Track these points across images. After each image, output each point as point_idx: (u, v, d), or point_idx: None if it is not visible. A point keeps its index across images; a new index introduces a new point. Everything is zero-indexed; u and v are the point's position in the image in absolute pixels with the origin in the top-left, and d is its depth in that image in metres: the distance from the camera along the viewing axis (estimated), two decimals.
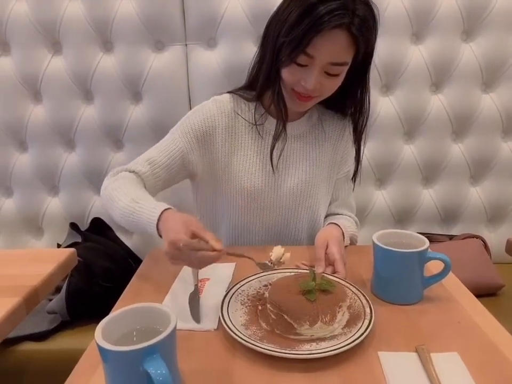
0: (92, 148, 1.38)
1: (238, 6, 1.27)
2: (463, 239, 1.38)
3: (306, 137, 0.97)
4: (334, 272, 0.78)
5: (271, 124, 0.94)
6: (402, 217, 1.45)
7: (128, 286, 0.81)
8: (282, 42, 0.80)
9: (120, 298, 0.76)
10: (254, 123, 0.93)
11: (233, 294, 0.70)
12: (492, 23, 1.30)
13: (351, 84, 0.88)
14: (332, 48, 0.78)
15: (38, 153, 1.39)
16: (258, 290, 0.72)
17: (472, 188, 1.44)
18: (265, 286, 0.74)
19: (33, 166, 1.40)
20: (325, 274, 0.73)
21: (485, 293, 1.23)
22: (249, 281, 0.74)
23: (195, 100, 1.34)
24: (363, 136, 0.97)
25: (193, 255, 0.64)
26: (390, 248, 0.68)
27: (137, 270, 0.87)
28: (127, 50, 1.31)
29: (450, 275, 0.71)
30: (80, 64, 1.32)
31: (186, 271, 0.82)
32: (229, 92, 0.97)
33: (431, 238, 1.38)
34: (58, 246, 1.33)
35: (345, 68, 0.82)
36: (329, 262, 0.80)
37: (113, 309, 0.70)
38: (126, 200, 0.79)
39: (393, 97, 1.37)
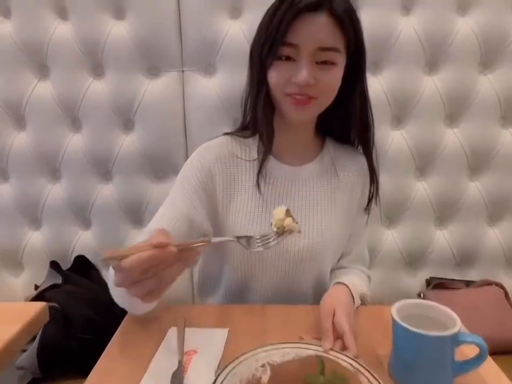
0: (78, 179, 1.27)
1: (239, 31, 1.18)
2: (481, 286, 1.27)
3: (317, 183, 0.85)
4: (344, 348, 0.66)
5: (276, 166, 0.83)
6: (413, 259, 1.33)
7: (104, 353, 0.69)
8: (262, 45, 0.74)
9: (98, 362, 0.66)
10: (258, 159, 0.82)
11: (224, 379, 0.58)
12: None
13: (349, 96, 0.79)
14: (316, 31, 0.70)
15: (20, 183, 1.28)
16: (254, 372, 0.60)
17: (490, 229, 1.32)
18: (263, 366, 0.61)
19: (14, 197, 1.29)
20: (335, 358, 0.61)
21: (509, 349, 1.11)
22: (243, 360, 0.62)
23: (191, 130, 1.24)
24: (374, 157, 0.87)
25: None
26: (415, 330, 0.56)
27: (117, 333, 0.75)
28: (119, 75, 1.21)
29: (488, 360, 0.59)
30: (68, 90, 1.22)
31: (170, 338, 0.71)
32: (225, 134, 0.87)
33: (446, 284, 1.27)
34: (36, 287, 1.21)
35: (339, 57, 0.73)
36: (338, 335, 0.68)
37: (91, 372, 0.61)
38: None
39: (404, 131, 1.26)
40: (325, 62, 0.72)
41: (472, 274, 1.34)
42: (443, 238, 1.32)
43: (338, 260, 0.92)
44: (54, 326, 1.02)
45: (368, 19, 1.14)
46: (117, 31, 1.19)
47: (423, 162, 1.28)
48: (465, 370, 0.59)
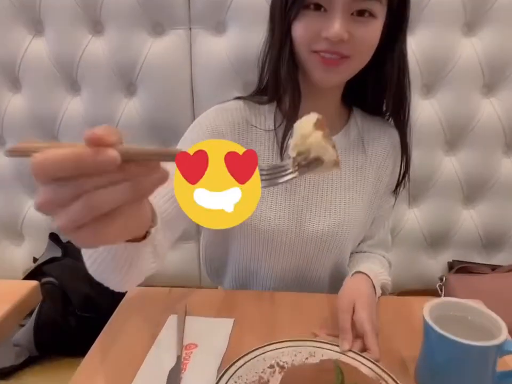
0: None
1: None
2: (508, 271, 1.17)
3: (342, 160, 0.74)
4: (364, 349, 0.58)
5: None
6: (436, 240, 1.23)
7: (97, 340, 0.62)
8: None
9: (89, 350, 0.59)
10: (274, 128, 0.70)
11: (228, 381, 0.51)
12: None
13: (385, 58, 0.68)
14: None
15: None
16: (261, 374, 0.53)
17: None
18: (271, 367, 0.54)
19: (11, 164, 1.22)
20: (353, 360, 0.53)
21: None
22: (249, 360, 0.55)
23: (199, 95, 1.13)
24: (408, 132, 0.76)
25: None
26: (455, 338, 0.47)
27: (111, 320, 0.68)
28: (120, 33, 1.10)
29: None
30: (64, 48, 1.12)
31: (169, 328, 0.64)
32: (236, 98, 0.75)
33: (470, 268, 1.18)
34: (35, 260, 1.16)
35: (380, 9, 0.61)
36: (357, 333, 0.60)
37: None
38: None
39: (435, 100, 1.14)
40: (362, 13, 0.60)
41: (498, 258, 1.24)
42: (470, 218, 1.22)
43: (359, 244, 0.83)
44: (50, 302, 0.97)
45: None
46: None
47: (454, 135, 1.16)
48: (508, 382, 0.51)
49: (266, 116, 0.73)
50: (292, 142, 0.37)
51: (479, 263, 1.21)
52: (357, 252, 0.83)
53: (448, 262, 1.23)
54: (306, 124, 0.37)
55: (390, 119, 0.77)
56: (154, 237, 0.44)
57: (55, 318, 0.96)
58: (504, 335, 0.47)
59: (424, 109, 1.13)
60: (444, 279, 1.17)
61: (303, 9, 0.61)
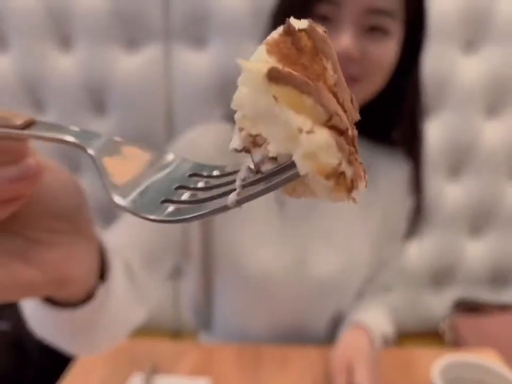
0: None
1: None
2: None
3: None
4: None
5: None
6: (439, 275, 1.12)
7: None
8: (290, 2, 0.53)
9: None
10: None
11: None
12: None
13: (400, 81, 0.58)
14: None
15: None
16: None
17: None
18: None
19: None
20: None
21: None
22: None
23: (176, 116, 1.03)
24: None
25: None
26: None
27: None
28: (90, 48, 1.00)
29: None
30: (29, 65, 1.01)
31: None
32: (223, 120, 0.65)
33: (478, 307, 1.07)
34: None
35: (394, 26, 0.52)
36: None
37: None
38: None
39: (437, 123, 1.05)
40: (373, 29, 0.51)
41: (508, 294, 1.13)
42: (476, 252, 1.12)
43: None
44: (4, 354, 0.84)
45: None
46: None
47: (457, 160, 1.07)
48: None
49: None
50: (236, 120, 0.24)
51: (486, 303, 1.10)
52: (358, 294, 0.72)
53: (453, 301, 1.12)
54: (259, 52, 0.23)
55: (400, 150, 0.66)
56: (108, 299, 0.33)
57: (11, 372, 0.83)
58: None
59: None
60: (449, 320, 1.06)
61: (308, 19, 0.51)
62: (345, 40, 0.49)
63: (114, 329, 0.44)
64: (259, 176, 0.18)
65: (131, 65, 1.01)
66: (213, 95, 1.01)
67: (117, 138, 0.23)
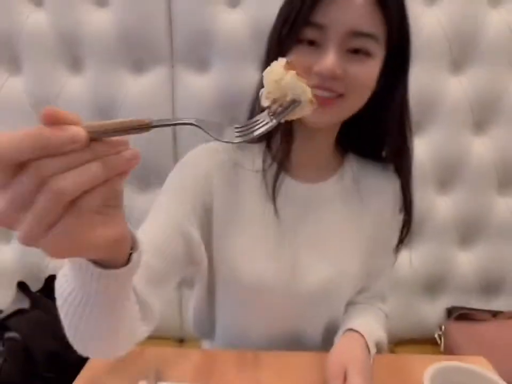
0: None
1: (237, 20, 1.03)
2: (510, 317, 1.10)
3: (335, 207, 0.69)
4: None
5: (285, 181, 0.67)
6: (432, 284, 1.17)
7: None
8: (282, 24, 0.58)
9: None
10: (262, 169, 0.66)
11: None
12: None
13: (385, 101, 0.63)
14: (349, 10, 0.55)
15: None
16: None
17: None
18: None
19: None
20: None
21: None
22: None
23: (181, 135, 1.09)
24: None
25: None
26: None
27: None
28: (99, 71, 1.06)
29: None
30: (41, 86, 1.07)
31: None
32: None
33: (470, 315, 1.11)
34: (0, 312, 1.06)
35: (376, 48, 0.57)
36: None
37: None
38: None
39: (425, 138, 1.10)
40: (357, 51, 0.56)
41: (499, 303, 1.17)
42: (466, 261, 1.16)
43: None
44: (13, 361, 0.87)
45: None
46: (98, 19, 1.03)
47: (446, 174, 1.12)
48: None
49: (255, 155, 0.68)
50: (265, 91, 0.38)
51: (479, 309, 1.14)
52: (351, 304, 0.76)
53: (446, 308, 1.16)
54: (276, 69, 0.38)
55: (391, 165, 0.71)
56: (137, 266, 0.39)
57: (16, 379, 0.86)
58: None
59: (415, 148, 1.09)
60: (443, 327, 1.09)
61: (297, 43, 0.57)
62: (329, 60, 0.54)
63: (129, 334, 0.49)
64: (280, 110, 0.38)
65: (138, 87, 1.07)
66: (215, 114, 1.06)
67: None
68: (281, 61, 0.39)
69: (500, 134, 1.10)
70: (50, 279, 1.11)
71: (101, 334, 0.44)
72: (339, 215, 0.69)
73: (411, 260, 1.15)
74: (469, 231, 1.15)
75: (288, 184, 0.67)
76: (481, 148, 1.10)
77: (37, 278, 1.14)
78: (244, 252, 0.66)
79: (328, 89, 0.56)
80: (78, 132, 0.27)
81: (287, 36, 0.58)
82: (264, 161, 0.66)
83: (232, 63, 1.04)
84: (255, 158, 0.68)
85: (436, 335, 1.09)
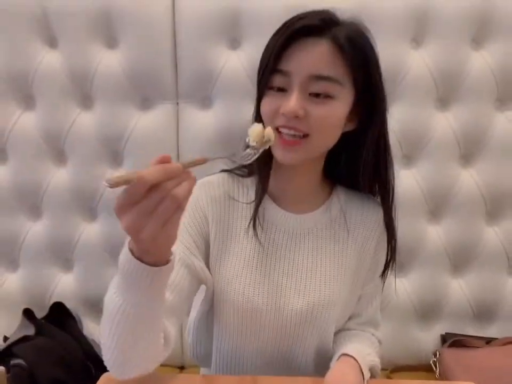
0: (61, 217, 1.17)
1: (237, 62, 1.11)
2: (503, 344, 1.13)
3: (322, 236, 0.74)
4: None
5: (274, 212, 0.73)
6: (427, 312, 1.20)
7: None
8: (258, 73, 0.67)
9: None
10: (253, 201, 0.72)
11: None
12: None
13: (360, 140, 0.69)
14: (309, 57, 0.62)
15: None
16: None
17: (511, 279, 1.20)
18: None
19: None
20: None
21: None
22: None
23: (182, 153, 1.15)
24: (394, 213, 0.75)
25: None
26: None
27: None
28: (109, 107, 1.13)
29: None
30: (53, 121, 1.14)
31: None
32: (222, 171, 0.77)
33: (464, 341, 1.14)
34: (5, 339, 1.09)
35: (338, 90, 0.63)
36: None
37: None
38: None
39: (416, 170, 1.17)
40: (319, 94, 0.63)
41: (492, 330, 1.20)
42: (459, 289, 1.20)
43: (346, 321, 0.80)
44: None
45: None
46: (108, 60, 1.12)
47: (437, 204, 1.17)
48: None
49: (249, 188, 0.74)
50: (251, 138, 0.57)
51: (472, 336, 1.17)
52: (344, 330, 0.80)
53: (441, 335, 1.19)
54: (257, 127, 0.58)
55: (377, 196, 0.77)
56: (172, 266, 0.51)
57: None
58: None
59: (404, 179, 1.16)
60: (438, 354, 1.12)
61: (269, 90, 0.65)
62: (291, 102, 0.61)
63: (154, 354, 0.57)
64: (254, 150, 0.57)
65: (145, 122, 1.14)
66: (216, 148, 1.12)
67: None
68: (258, 124, 0.59)
69: (485, 166, 1.16)
70: (55, 307, 1.13)
71: (140, 345, 0.53)
72: (326, 244, 0.74)
73: (407, 287, 1.19)
74: (460, 259, 1.19)
75: (278, 214, 0.73)
76: (469, 179, 1.16)
77: (42, 306, 1.17)
78: (235, 276, 0.71)
79: (293, 128, 0.63)
80: (178, 165, 0.43)
81: (260, 83, 0.66)
82: (256, 193, 0.72)
83: (233, 100, 1.11)
84: (249, 189, 0.74)
85: (431, 362, 1.12)
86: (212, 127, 1.13)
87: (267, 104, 0.65)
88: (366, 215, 0.76)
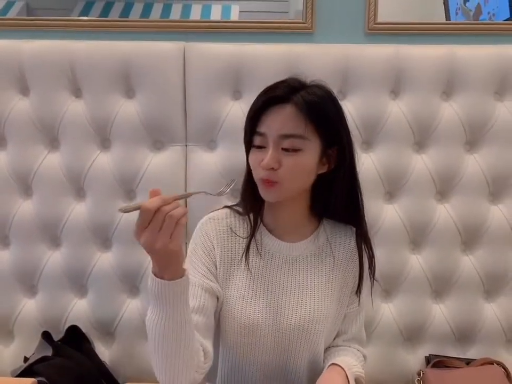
0: (78, 247, 1.29)
1: (239, 111, 1.27)
2: (481, 364, 1.23)
3: (311, 261, 0.88)
4: None
5: (270, 240, 0.86)
6: (411, 335, 1.31)
7: None
8: (244, 135, 0.86)
9: None
10: (249, 236, 0.86)
11: None
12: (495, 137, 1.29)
13: (334, 178, 0.84)
14: (279, 121, 0.78)
15: (20, 250, 1.30)
16: None
17: (487, 304, 1.32)
18: None
19: (12, 263, 1.30)
20: None
21: None
22: None
23: (193, 202, 1.28)
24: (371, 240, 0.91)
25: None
26: None
27: None
28: (125, 148, 1.28)
29: None
30: (75, 161, 1.28)
31: None
32: (225, 207, 0.91)
33: (446, 362, 1.24)
34: (26, 359, 1.18)
35: (304, 144, 0.78)
36: None
37: None
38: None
39: (397, 205, 1.31)
40: (288, 149, 0.78)
41: (473, 352, 1.30)
42: (440, 313, 1.31)
43: (334, 338, 0.91)
44: None
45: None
46: (126, 108, 1.27)
47: (416, 235, 1.31)
48: None
49: (247, 223, 0.88)
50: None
51: (454, 357, 1.27)
52: (333, 346, 0.91)
53: (425, 356, 1.29)
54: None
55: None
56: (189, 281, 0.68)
57: None
58: None
59: (388, 213, 1.30)
60: (422, 373, 1.22)
61: (252, 148, 0.83)
62: (267, 158, 0.78)
63: (195, 365, 0.72)
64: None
65: (157, 162, 1.28)
66: (220, 184, 1.23)
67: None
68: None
69: (459, 201, 1.30)
70: (71, 329, 1.23)
71: (182, 352, 0.68)
72: (315, 268, 0.87)
73: (392, 311, 1.31)
74: (440, 286, 1.31)
75: (274, 243, 0.87)
76: (445, 213, 1.30)
77: (57, 329, 1.27)
78: (238, 297, 0.84)
79: (268, 179, 0.79)
80: (170, 195, 0.61)
81: (245, 143, 0.85)
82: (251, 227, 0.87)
83: (235, 144, 1.26)
84: (247, 224, 0.88)
85: (416, 381, 1.21)
86: (216, 166, 1.28)
87: (251, 159, 0.83)
88: (349, 243, 0.90)
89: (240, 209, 0.90)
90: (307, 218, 0.90)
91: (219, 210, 0.92)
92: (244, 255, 0.85)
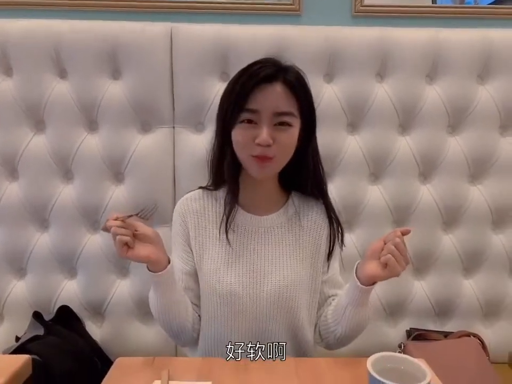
0: (67, 229, 1.30)
1: None
2: (458, 337, 1.30)
3: (282, 232, 0.92)
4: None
5: (243, 216, 0.91)
6: (393, 310, 1.36)
7: None
8: (226, 111, 0.84)
9: None
10: (223, 214, 0.91)
11: None
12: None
13: (303, 154, 0.89)
14: (273, 98, 0.81)
15: (8, 232, 1.30)
16: None
17: (466, 280, 1.38)
18: None
19: (1, 246, 1.30)
20: None
21: None
22: None
23: (180, 182, 1.30)
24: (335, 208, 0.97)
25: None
26: (385, 381, 0.59)
27: None
28: (113, 130, 1.28)
29: None
30: (62, 143, 1.28)
31: None
32: (200, 187, 0.96)
33: (425, 335, 1.30)
34: (17, 339, 1.20)
35: (294, 120, 0.83)
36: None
37: None
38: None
39: (381, 186, 1.34)
40: (282, 123, 0.82)
41: (451, 325, 1.37)
42: (421, 289, 1.37)
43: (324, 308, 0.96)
44: (35, 379, 1.00)
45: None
46: (113, 90, 1.27)
47: (399, 216, 1.35)
48: None
49: (219, 200, 0.93)
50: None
51: (433, 330, 1.34)
52: (328, 298, 0.96)
53: (406, 330, 1.35)
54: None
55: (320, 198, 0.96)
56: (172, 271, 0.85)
57: None
58: (427, 379, 0.60)
59: (373, 193, 1.33)
60: (403, 346, 1.27)
61: (240, 123, 0.82)
62: (263, 134, 0.79)
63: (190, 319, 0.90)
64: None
65: (144, 144, 1.28)
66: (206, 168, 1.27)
67: None
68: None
69: (441, 182, 1.34)
70: (62, 309, 1.25)
71: (175, 312, 0.87)
72: (285, 239, 0.92)
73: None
74: (421, 263, 1.36)
75: (245, 217, 0.91)
76: (428, 195, 1.34)
77: (48, 310, 1.29)
78: (215, 269, 0.89)
79: (264, 156, 0.81)
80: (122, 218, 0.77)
81: (230, 119, 0.84)
82: (225, 203, 0.90)
83: None
84: (219, 201, 0.93)
85: (397, 353, 1.27)
86: (204, 148, 1.28)
87: (241, 136, 0.83)
88: (315, 212, 0.95)
89: (212, 187, 0.95)
90: (278, 193, 0.95)
91: (194, 191, 0.97)
92: (218, 230, 0.90)
